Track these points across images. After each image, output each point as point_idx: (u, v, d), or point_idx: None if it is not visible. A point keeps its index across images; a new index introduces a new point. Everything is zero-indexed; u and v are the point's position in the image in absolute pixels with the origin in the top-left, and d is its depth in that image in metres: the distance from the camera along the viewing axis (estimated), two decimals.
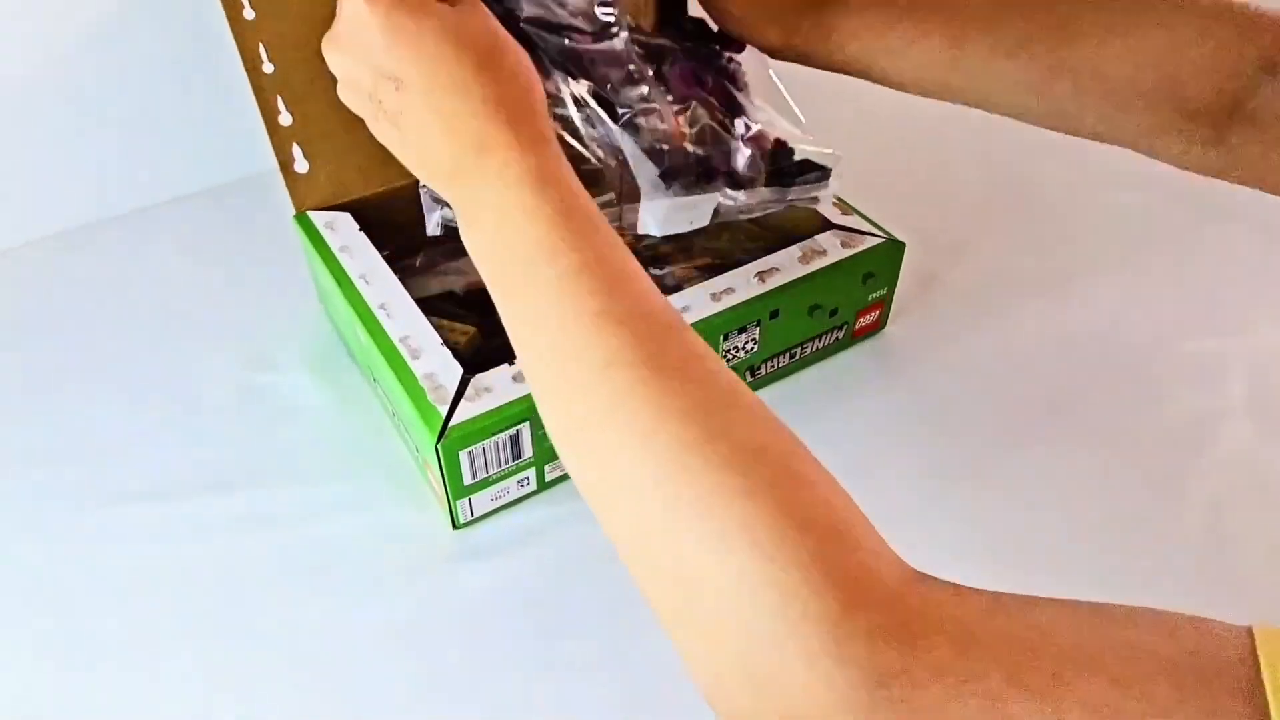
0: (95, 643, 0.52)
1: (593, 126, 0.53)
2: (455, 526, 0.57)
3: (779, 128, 0.59)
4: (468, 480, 0.54)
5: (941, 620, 0.29)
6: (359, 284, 0.59)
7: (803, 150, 0.58)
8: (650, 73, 0.55)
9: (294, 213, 0.64)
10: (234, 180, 0.81)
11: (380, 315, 0.57)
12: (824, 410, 0.64)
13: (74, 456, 0.61)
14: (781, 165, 0.58)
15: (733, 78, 0.59)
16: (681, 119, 0.55)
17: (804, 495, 0.32)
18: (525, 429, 0.54)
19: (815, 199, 0.60)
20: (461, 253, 0.71)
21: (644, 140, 0.53)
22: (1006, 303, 0.72)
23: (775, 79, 0.59)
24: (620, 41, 0.54)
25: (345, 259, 0.61)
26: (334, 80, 0.63)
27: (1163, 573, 0.55)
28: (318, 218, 0.64)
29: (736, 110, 0.58)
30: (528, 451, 0.56)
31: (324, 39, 0.43)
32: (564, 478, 0.59)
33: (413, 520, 0.58)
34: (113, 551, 0.56)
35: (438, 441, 0.51)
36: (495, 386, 0.54)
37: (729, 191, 0.55)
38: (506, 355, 0.56)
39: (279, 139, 0.63)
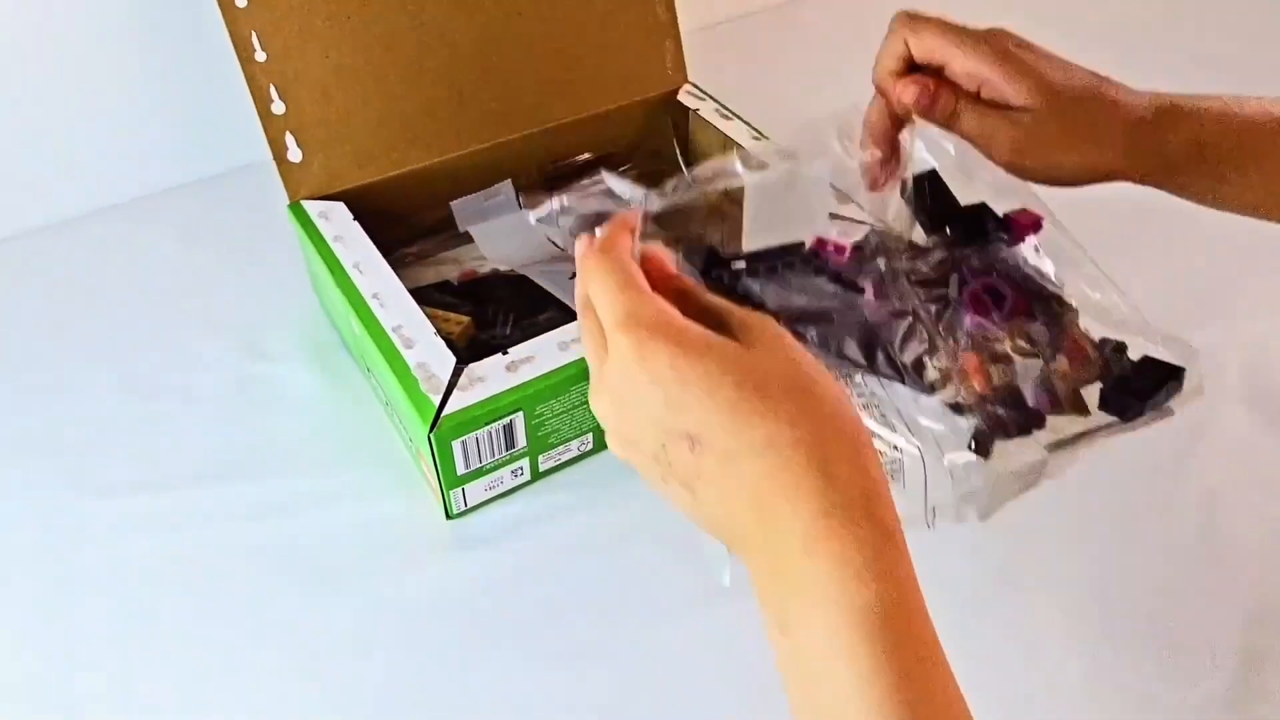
0: (89, 633, 0.52)
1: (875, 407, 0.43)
2: (449, 516, 0.57)
3: (1095, 313, 0.47)
4: (461, 470, 0.54)
5: None
6: (352, 273, 0.59)
7: (1140, 345, 0.46)
8: (933, 313, 0.45)
9: (288, 202, 0.64)
10: (229, 170, 0.81)
11: (373, 305, 0.57)
12: None
13: (67, 447, 0.61)
14: (1120, 377, 0.45)
15: (1025, 267, 0.48)
16: (983, 366, 0.45)
17: None
18: (519, 419, 0.54)
19: (1170, 411, 0.46)
20: (457, 242, 0.72)
21: (938, 409, 0.43)
22: None
23: (1078, 245, 0.49)
24: (905, 299, 0.45)
25: (339, 248, 0.60)
26: (329, 69, 0.63)
27: (1159, 562, 0.54)
28: (311, 207, 0.63)
29: (1043, 311, 0.47)
30: (521, 441, 0.56)
31: (591, 389, 0.35)
32: (558, 468, 0.59)
33: (407, 510, 0.57)
34: (106, 542, 0.56)
35: (430, 431, 0.51)
36: (488, 376, 0.54)
37: (1058, 431, 0.44)
38: (500, 345, 0.56)
39: (272, 128, 0.62)
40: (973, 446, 0.43)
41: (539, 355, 0.55)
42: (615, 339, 0.32)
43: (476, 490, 0.56)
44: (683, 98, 0.75)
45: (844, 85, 1.03)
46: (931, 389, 0.44)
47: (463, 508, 0.57)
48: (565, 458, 0.59)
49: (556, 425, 0.56)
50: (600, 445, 0.60)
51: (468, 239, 0.72)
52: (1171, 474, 0.59)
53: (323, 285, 0.64)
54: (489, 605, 0.53)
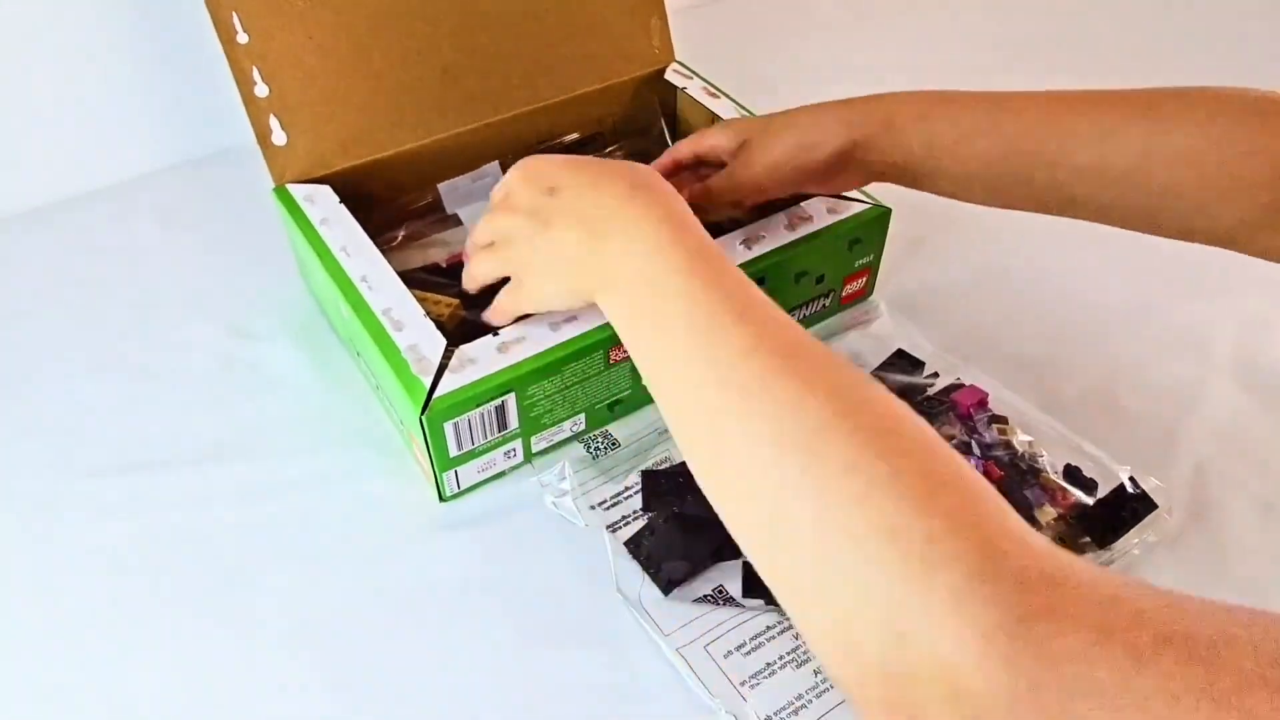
0: (75, 615, 0.52)
1: None
2: (442, 499, 0.57)
3: (1058, 457, 0.55)
4: (453, 452, 0.54)
5: (1083, 581, 0.29)
6: (340, 256, 0.58)
7: (1101, 475, 0.54)
8: None
9: (273, 186, 0.63)
10: (212, 153, 0.80)
11: (362, 288, 0.56)
12: None
13: (51, 430, 0.61)
14: (1095, 509, 0.52)
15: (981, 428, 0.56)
16: None
17: (943, 460, 0.33)
18: (510, 400, 0.54)
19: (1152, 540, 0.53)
20: (445, 224, 0.71)
21: None
22: (991, 272, 0.71)
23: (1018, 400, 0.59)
24: None
25: (325, 231, 0.60)
26: (312, 50, 0.62)
27: (1149, 537, 0.54)
28: (297, 190, 0.63)
29: (1017, 471, 0.54)
30: (513, 423, 0.55)
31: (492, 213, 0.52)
32: (551, 449, 0.59)
33: (398, 492, 0.57)
34: (93, 525, 0.56)
35: (422, 413, 0.51)
36: (480, 358, 0.53)
37: None
38: (489, 327, 0.55)
39: (256, 111, 0.62)
40: None
41: (530, 336, 0.54)
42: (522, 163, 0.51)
43: (469, 472, 0.56)
44: (670, 76, 0.74)
45: (832, 63, 1.04)
46: None
47: (455, 490, 0.56)
48: (558, 438, 0.59)
49: (549, 406, 0.56)
50: (593, 425, 0.60)
51: (456, 221, 0.71)
52: (1162, 449, 0.59)
53: (310, 269, 0.64)
54: (482, 587, 0.53)
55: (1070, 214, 0.51)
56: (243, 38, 0.60)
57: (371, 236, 0.60)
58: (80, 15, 0.72)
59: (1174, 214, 0.47)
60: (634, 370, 0.58)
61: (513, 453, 0.57)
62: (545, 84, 0.71)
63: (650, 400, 0.61)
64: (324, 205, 0.62)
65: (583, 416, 0.59)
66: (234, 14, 0.60)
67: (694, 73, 0.75)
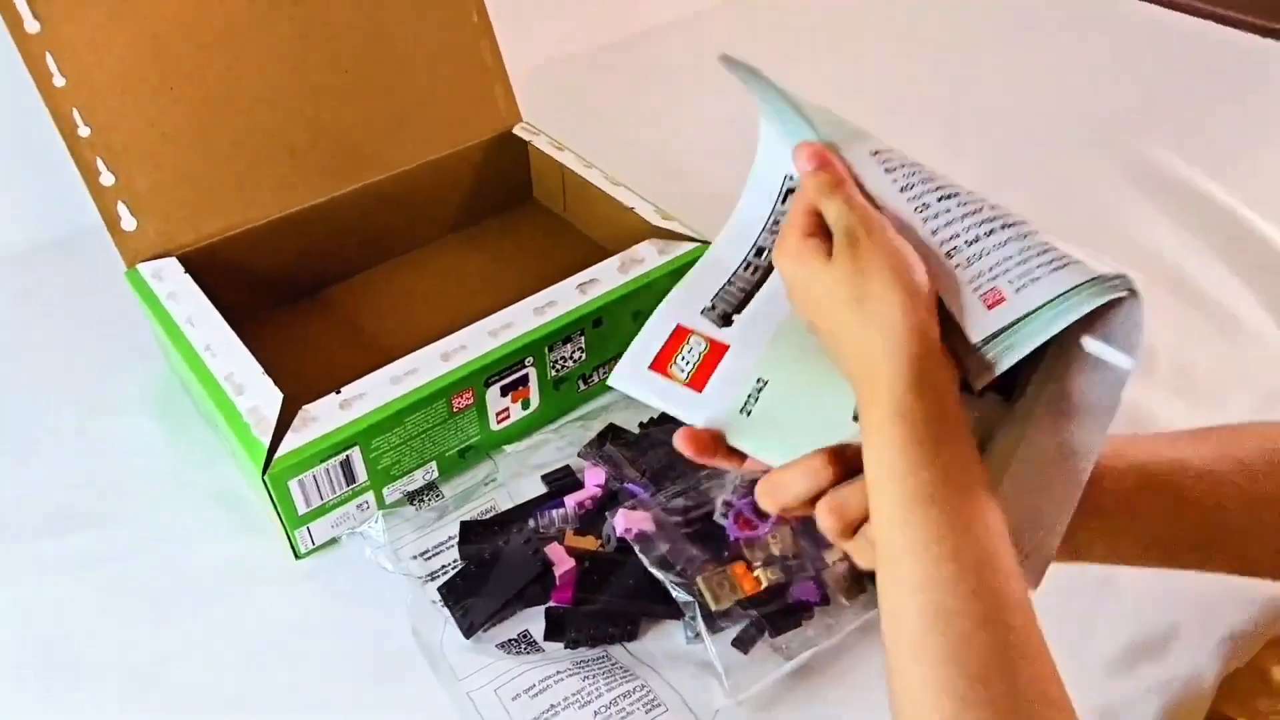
0: None
1: None
2: (298, 556, 0.58)
3: None
4: (302, 509, 0.56)
5: None
6: (185, 328, 0.60)
7: None
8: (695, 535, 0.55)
9: (125, 269, 0.65)
10: (72, 233, 0.81)
11: (205, 356, 0.58)
12: None
13: None
14: None
15: None
16: (750, 572, 0.53)
17: None
18: (355, 453, 0.56)
19: None
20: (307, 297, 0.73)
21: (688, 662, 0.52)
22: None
23: None
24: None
25: (171, 306, 0.62)
26: (156, 138, 0.65)
27: None
28: (145, 269, 0.65)
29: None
30: (362, 476, 0.57)
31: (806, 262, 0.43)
32: (404, 502, 0.61)
33: (257, 551, 0.58)
34: None
35: (264, 473, 0.53)
36: (321, 415, 0.55)
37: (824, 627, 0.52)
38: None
39: (103, 199, 0.64)
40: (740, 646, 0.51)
41: (371, 391, 0.57)
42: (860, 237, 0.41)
43: (322, 528, 0.58)
44: (519, 131, 0.78)
45: (678, 113, 1.06)
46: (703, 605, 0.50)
47: (310, 546, 0.58)
48: (411, 488, 0.60)
49: (396, 457, 0.58)
50: (446, 473, 0.62)
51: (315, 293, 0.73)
52: None
53: (164, 344, 0.66)
54: (309, 635, 0.55)
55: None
56: (84, 131, 0.63)
57: (239, 309, 0.62)
58: None
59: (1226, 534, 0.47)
60: (481, 415, 0.61)
61: (365, 505, 0.59)
62: (395, 153, 0.74)
63: (492, 449, 0.63)
64: (171, 279, 0.64)
65: (434, 464, 0.61)
66: (74, 110, 0.62)
67: (539, 130, 0.78)
